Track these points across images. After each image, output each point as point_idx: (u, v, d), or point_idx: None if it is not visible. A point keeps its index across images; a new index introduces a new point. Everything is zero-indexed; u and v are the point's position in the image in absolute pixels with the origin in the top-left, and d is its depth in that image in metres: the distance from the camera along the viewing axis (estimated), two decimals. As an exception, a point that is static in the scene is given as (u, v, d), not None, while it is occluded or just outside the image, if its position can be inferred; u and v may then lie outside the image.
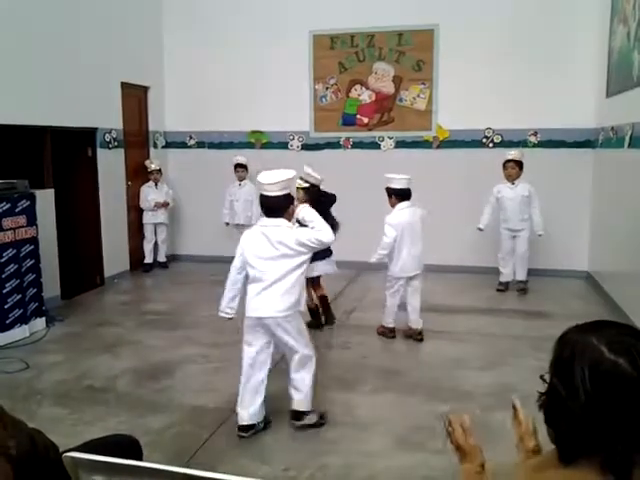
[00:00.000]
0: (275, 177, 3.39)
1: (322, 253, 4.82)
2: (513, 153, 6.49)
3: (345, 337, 5.17)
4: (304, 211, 3.47)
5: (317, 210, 4.45)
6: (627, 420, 1.08)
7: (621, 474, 1.09)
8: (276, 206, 3.37)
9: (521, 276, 6.57)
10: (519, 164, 6.41)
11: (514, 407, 1.57)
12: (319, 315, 5.42)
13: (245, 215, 7.58)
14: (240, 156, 7.64)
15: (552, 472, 1.18)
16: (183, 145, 8.26)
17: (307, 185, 4.87)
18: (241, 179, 7.61)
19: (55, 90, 6.00)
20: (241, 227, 7.66)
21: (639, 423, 1.08)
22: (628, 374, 1.08)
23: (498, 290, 6.63)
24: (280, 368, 4.46)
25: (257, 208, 7.52)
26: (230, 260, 7.97)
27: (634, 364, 1.08)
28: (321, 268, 5.15)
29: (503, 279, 6.69)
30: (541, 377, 1.26)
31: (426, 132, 7.48)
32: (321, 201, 4.76)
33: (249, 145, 7.99)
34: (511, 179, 6.45)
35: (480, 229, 6.65)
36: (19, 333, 5.05)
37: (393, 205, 5.09)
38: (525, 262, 6.54)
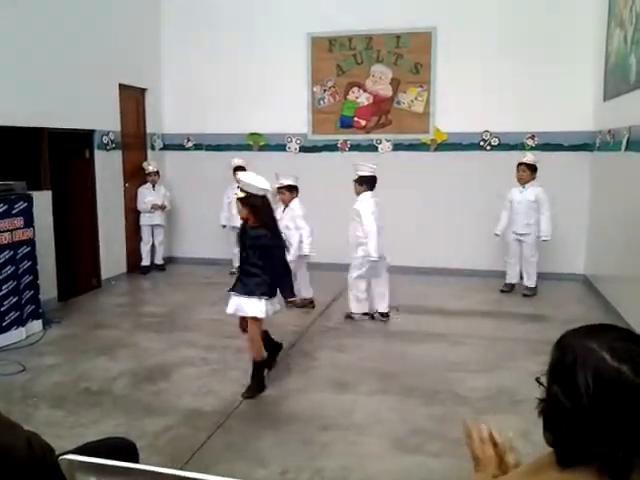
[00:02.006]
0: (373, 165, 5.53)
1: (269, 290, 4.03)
2: (527, 156, 6.48)
3: (342, 339, 5.16)
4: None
5: (263, 222, 3.97)
6: (629, 426, 1.08)
7: (620, 477, 1.09)
8: (375, 182, 5.47)
9: (528, 282, 6.55)
10: (531, 167, 6.39)
11: (475, 429, 1.54)
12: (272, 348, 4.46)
13: None
14: (238, 159, 7.59)
15: (549, 475, 1.18)
16: (181, 147, 8.26)
17: (243, 195, 3.94)
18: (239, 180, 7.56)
19: (53, 92, 5.99)
20: (238, 230, 7.62)
21: None
22: (631, 381, 1.08)
23: (502, 291, 6.64)
24: (278, 371, 4.46)
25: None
26: (227, 262, 7.97)
27: (637, 371, 1.08)
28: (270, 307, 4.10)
29: (508, 281, 6.70)
30: (537, 380, 1.25)
31: (424, 135, 7.49)
32: (262, 213, 3.98)
33: (247, 147, 7.99)
34: (522, 182, 6.45)
35: (497, 235, 6.67)
36: (16, 335, 5.03)
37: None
38: (532, 267, 6.52)
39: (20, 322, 5.09)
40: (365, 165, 5.61)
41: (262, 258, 3.97)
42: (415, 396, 3.99)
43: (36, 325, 5.28)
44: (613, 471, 1.09)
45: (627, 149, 5.40)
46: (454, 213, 7.35)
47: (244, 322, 4.13)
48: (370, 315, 5.71)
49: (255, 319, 4.02)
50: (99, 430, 3.35)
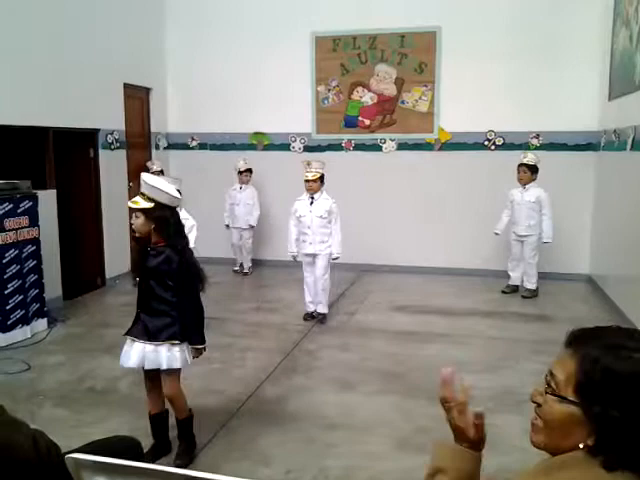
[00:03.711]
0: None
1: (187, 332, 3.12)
2: (528, 157, 6.42)
3: (345, 339, 5.16)
4: None
5: (172, 243, 3.03)
6: None
7: None
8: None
9: (528, 284, 6.50)
10: (531, 168, 6.34)
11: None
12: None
13: (245, 219, 7.53)
14: (243, 161, 7.50)
15: (580, 472, 1.17)
16: (185, 146, 8.27)
17: (149, 205, 2.97)
18: (247, 182, 7.55)
19: (57, 91, 6.00)
20: (242, 230, 7.63)
21: None
22: None
23: (503, 292, 6.61)
24: (282, 370, 4.47)
25: (258, 212, 7.56)
26: (229, 261, 7.98)
27: None
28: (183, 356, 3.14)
29: (511, 282, 6.67)
30: (560, 396, 1.23)
31: (428, 134, 7.48)
32: (171, 230, 3.03)
33: (251, 147, 8.00)
34: (522, 183, 6.40)
35: (496, 233, 6.63)
36: (21, 334, 5.05)
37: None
38: (532, 268, 6.45)
39: (25, 321, 5.10)
40: (319, 162, 5.58)
41: (171, 290, 3.08)
42: (419, 396, 3.98)
43: (41, 324, 5.30)
44: None
45: (632, 149, 5.39)
46: (458, 213, 7.34)
47: (154, 377, 3.18)
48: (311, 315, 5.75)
49: (172, 371, 3.11)
50: (104, 429, 3.36)
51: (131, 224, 3.09)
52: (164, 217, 2.98)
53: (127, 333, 3.17)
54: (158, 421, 3.27)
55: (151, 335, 3.06)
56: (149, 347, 3.06)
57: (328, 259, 5.56)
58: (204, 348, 3.20)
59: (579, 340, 1.24)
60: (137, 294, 3.20)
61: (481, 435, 1.37)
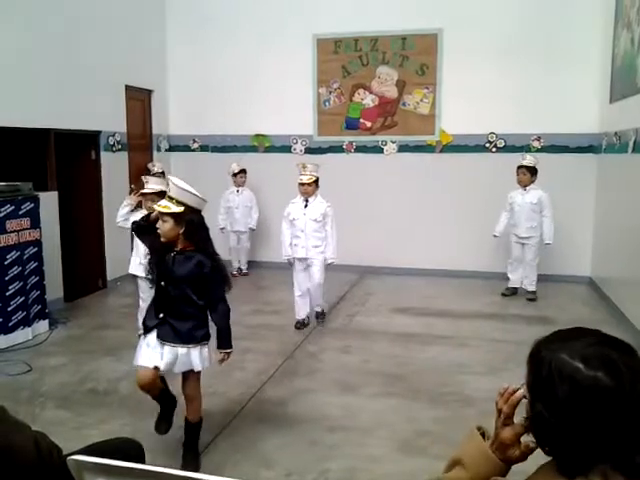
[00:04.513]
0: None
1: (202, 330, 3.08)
2: (527, 159, 6.41)
3: (347, 341, 5.16)
4: None
5: (201, 246, 3.02)
6: (619, 427, 1.10)
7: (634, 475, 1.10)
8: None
9: (529, 286, 6.48)
10: (531, 170, 6.33)
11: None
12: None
13: (245, 221, 7.54)
14: (236, 164, 7.52)
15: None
16: (187, 148, 8.28)
17: (180, 209, 2.92)
18: (242, 184, 7.56)
19: (59, 93, 6.01)
20: (241, 233, 7.64)
21: (631, 427, 1.10)
22: (608, 386, 1.10)
23: (503, 295, 6.61)
24: (283, 374, 4.46)
25: (257, 214, 7.56)
26: (228, 265, 7.88)
27: (612, 375, 1.10)
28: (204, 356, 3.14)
29: (510, 285, 6.66)
30: (525, 397, 1.27)
31: (429, 136, 7.49)
32: (201, 235, 3.05)
33: (252, 149, 8.00)
34: (522, 185, 6.39)
35: (495, 236, 6.62)
36: (22, 335, 5.05)
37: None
38: (533, 270, 6.45)
39: (27, 322, 5.11)
40: (314, 165, 5.46)
41: (200, 293, 3.01)
42: (421, 398, 3.99)
43: (42, 325, 5.30)
44: (628, 471, 1.10)
45: (634, 151, 5.39)
46: (459, 215, 7.34)
47: (153, 379, 3.08)
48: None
49: (199, 371, 3.12)
50: (105, 430, 3.36)
51: (156, 228, 2.96)
52: (194, 221, 2.96)
53: (157, 336, 3.07)
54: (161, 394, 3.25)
55: (184, 338, 3.02)
56: (182, 350, 3.03)
57: (323, 264, 5.45)
58: (229, 353, 3.16)
59: (539, 341, 1.25)
60: (158, 298, 3.08)
61: (521, 460, 1.37)
